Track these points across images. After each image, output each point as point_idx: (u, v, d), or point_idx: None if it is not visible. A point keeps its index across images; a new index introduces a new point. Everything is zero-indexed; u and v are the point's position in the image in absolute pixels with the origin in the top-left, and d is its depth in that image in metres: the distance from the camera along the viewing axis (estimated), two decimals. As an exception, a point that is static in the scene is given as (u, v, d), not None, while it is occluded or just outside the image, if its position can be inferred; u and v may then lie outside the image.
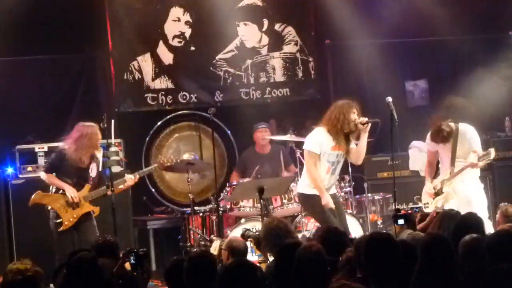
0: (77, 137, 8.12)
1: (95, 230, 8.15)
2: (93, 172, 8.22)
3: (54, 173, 8.15)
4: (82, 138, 8.10)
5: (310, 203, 7.83)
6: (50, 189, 8.19)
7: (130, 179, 8.33)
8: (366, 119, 7.78)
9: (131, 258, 5.37)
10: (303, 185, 7.89)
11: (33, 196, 8.12)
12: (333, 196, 7.85)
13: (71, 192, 8.02)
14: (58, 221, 8.04)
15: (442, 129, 8.25)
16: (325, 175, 7.77)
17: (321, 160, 7.73)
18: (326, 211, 7.63)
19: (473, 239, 5.04)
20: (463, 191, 8.30)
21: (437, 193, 8.45)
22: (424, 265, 4.73)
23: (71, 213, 8.04)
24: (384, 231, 8.64)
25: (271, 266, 5.43)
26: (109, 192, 8.11)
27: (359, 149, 7.90)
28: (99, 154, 8.33)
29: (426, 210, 8.38)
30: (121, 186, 8.28)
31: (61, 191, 8.08)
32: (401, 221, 6.85)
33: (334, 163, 7.80)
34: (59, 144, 8.53)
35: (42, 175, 8.26)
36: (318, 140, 7.74)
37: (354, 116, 7.74)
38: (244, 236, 6.91)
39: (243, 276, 4.44)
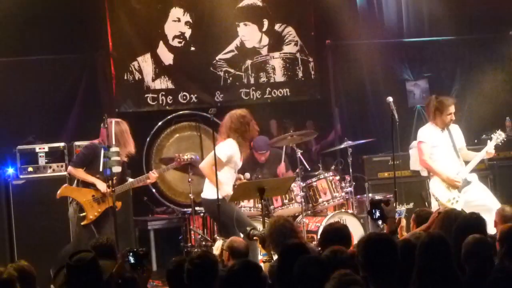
0: (121, 133, 8.14)
1: (112, 224, 8.16)
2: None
3: (83, 168, 8.17)
4: (124, 134, 8.16)
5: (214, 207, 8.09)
6: (75, 183, 8.25)
7: (153, 176, 8.44)
8: None
9: (130, 258, 5.36)
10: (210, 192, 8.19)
11: (60, 189, 8.15)
12: None
13: (102, 186, 8.07)
14: (82, 214, 8.07)
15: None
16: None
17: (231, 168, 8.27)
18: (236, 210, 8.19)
19: (475, 239, 5.03)
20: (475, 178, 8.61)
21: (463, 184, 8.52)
22: (423, 265, 4.73)
23: (95, 208, 8.10)
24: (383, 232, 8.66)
25: (275, 265, 5.43)
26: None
27: None
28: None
29: (455, 206, 8.33)
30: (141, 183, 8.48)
31: (90, 186, 8.13)
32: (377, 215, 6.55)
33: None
34: (86, 142, 8.58)
35: (70, 169, 8.28)
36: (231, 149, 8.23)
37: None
38: (250, 235, 6.90)
39: (248, 277, 4.44)
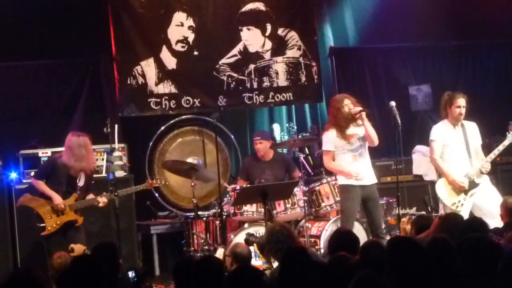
0: (74, 147, 8.15)
1: (83, 238, 8.13)
2: (81, 182, 8.24)
3: (44, 180, 8.18)
4: (79, 148, 8.15)
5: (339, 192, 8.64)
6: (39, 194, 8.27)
7: (103, 201, 8.32)
8: (358, 109, 8.25)
9: (132, 276, 5.39)
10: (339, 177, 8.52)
11: (21, 198, 8.22)
12: (367, 188, 8.34)
13: (57, 200, 8.09)
14: (41, 225, 8.10)
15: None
16: (352, 164, 8.29)
17: (343, 153, 8.32)
18: (348, 199, 8.26)
19: (474, 241, 5.03)
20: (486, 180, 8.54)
21: (469, 187, 8.42)
22: (427, 267, 4.72)
23: (54, 219, 8.10)
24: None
25: (276, 272, 5.42)
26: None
27: (367, 134, 8.33)
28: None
29: (459, 209, 8.27)
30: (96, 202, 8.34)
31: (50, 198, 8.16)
32: None
33: (356, 148, 8.31)
34: (61, 150, 8.57)
35: (32, 180, 8.34)
36: (329, 139, 8.33)
37: (346, 108, 8.26)
38: (248, 241, 6.91)
39: (249, 282, 4.44)
